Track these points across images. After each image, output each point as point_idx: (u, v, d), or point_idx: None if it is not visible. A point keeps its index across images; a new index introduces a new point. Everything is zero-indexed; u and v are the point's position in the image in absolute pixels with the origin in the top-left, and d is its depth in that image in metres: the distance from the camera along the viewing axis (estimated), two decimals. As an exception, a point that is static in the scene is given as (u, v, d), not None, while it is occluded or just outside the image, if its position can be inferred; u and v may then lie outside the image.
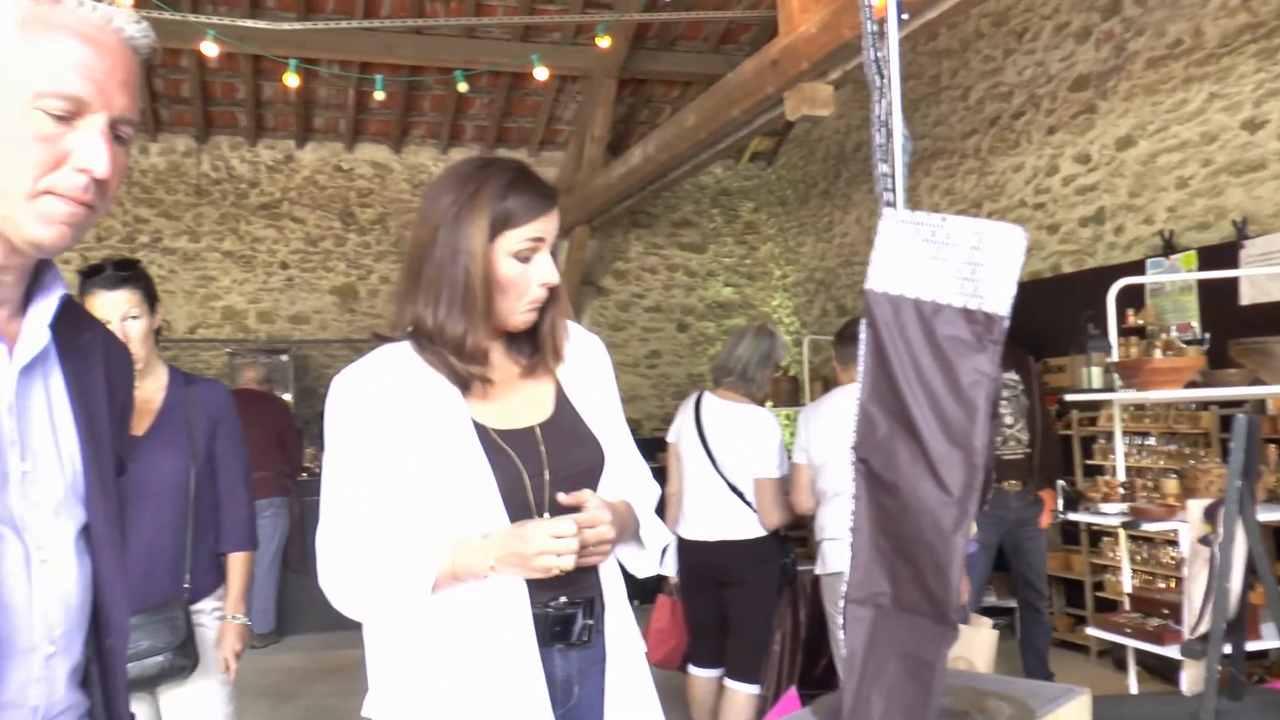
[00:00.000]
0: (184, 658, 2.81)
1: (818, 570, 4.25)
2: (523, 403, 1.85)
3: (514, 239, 1.75)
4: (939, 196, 8.26)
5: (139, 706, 2.89)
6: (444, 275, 1.75)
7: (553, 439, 1.82)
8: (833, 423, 4.06)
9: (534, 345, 1.87)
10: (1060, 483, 4.75)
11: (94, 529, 1.31)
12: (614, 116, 9.26)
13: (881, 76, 1.52)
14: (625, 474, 1.93)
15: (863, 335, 1.52)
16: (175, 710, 2.94)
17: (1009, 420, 5.17)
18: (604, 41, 7.40)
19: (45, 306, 1.29)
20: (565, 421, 1.86)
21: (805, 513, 4.32)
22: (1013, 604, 6.21)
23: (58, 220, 1.19)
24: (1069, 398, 4.66)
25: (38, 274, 1.30)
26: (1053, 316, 6.36)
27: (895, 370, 1.45)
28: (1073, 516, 4.51)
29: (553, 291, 1.82)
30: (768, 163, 11.16)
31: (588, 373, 1.95)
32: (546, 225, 1.78)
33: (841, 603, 1.48)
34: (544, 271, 1.78)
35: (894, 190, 1.55)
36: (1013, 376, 5.22)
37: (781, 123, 5.91)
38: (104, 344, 1.43)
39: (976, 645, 3.64)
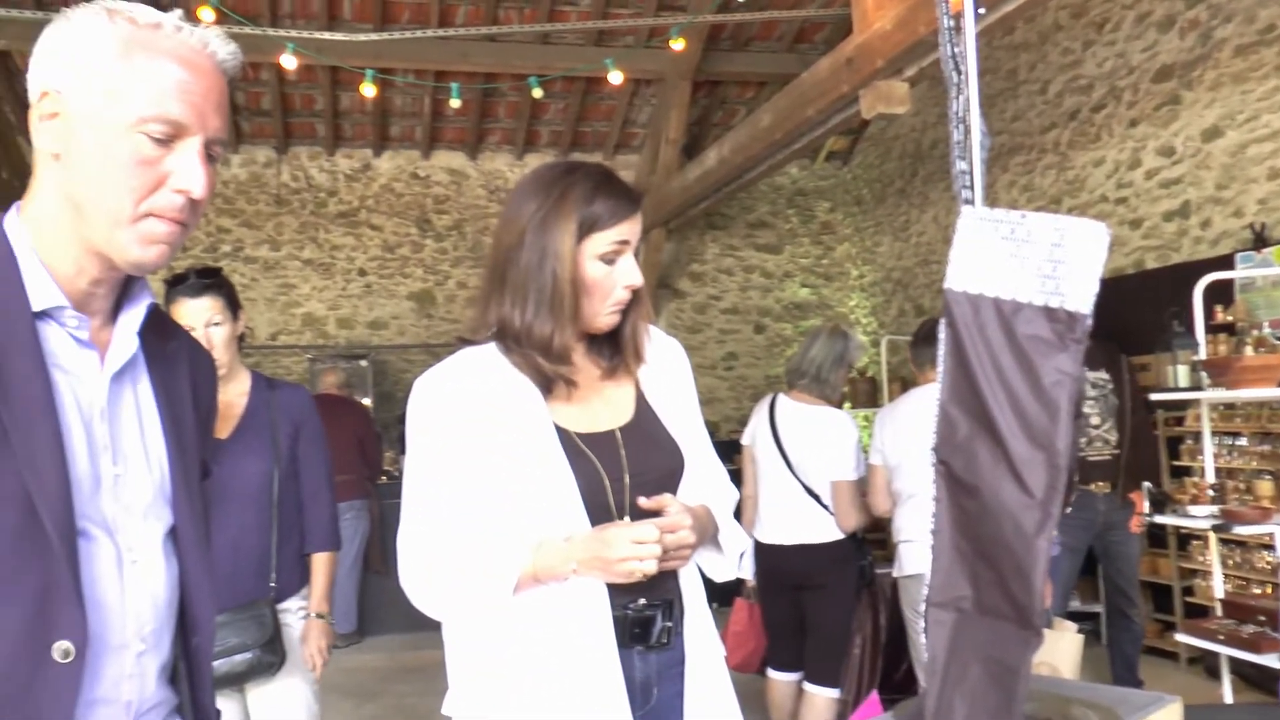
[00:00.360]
0: (271, 654, 2.87)
1: (895, 573, 4.20)
2: (604, 406, 1.85)
3: (600, 242, 1.76)
4: (1017, 193, 8.11)
5: (227, 704, 2.96)
6: (531, 277, 1.77)
7: (633, 442, 1.82)
8: (909, 424, 4.01)
9: (615, 348, 1.88)
10: (1146, 485, 4.63)
11: (180, 531, 1.35)
12: (689, 119, 9.25)
13: (959, 72, 1.50)
14: (704, 478, 1.92)
15: (942, 335, 1.50)
16: (262, 707, 3.00)
17: (1095, 420, 5.04)
18: (678, 44, 7.39)
19: (134, 315, 1.33)
20: (645, 425, 1.87)
21: (882, 515, 4.27)
22: (1099, 609, 6.07)
23: (158, 240, 1.23)
24: (1154, 397, 4.54)
25: (126, 284, 1.34)
26: (1136, 314, 6.20)
27: (975, 371, 1.43)
28: (1159, 519, 4.40)
29: (635, 294, 1.83)
30: (843, 162, 11.06)
31: (667, 376, 1.96)
32: (631, 228, 1.79)
33: (922, 606, 1.46)
34: (628, 274, 1.79)
35: (972, 188, 1.52)
36: (1102, 375, 5.08)
37: (857, 121, 5.85)
38: (189, 351, 1.47)
39: (1061, 651, 3.58)
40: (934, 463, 1.49)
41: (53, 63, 1.23)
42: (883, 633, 4.52)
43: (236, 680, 2.88)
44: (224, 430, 2.94)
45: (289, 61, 6.40)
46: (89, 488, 1.23)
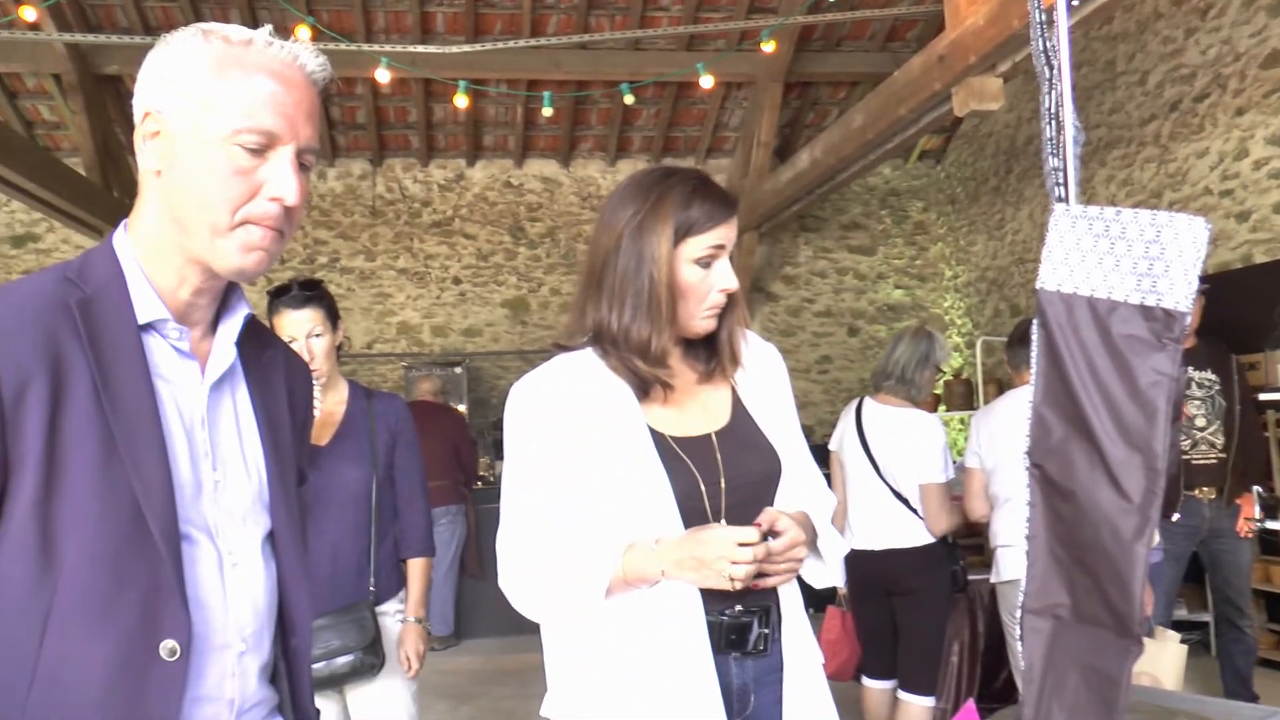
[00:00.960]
0: (373, 656, 2.91)
1: (993, 578, 4.12)
2: (700, 410, 1.86)
3: (695, 246, 1.77)
4: (1116, 188, 7.90)
5: (328, 705, 3.01)
6: (629, 281, 1.79)
7: (729, 447, 1.82)
8: (1005, 426, 3.93)
9: (711, 352, 1.89)
10: (1256, 489, 4.46)
11: (278, 535, 1.40)
12: (780, 121, 9.19)
13: (1051, 67, 1.46)
14: (802, 483, 1.91)
15: (1035, 336, 1.47)
16: (362, 708, 3.05)
17: (1201, 422, 4.87)
18: (769, 46, 7.35)
19: (231, 326, 1.38)
20: (742, 429, 1.86)
21: (979, 519, 4.19)
22: (1206, 618, 5.86)
23: (256, 247, 1.28)
24: (1263, 397, 4.38)
25: (224, 295, 1.39)
26: (1243, 310, 5.98)
27: (1069, 372, 1.39)
28: (1271, 525, 4.24)
29: (731, 298, 1.84)
30: (936, 161, 10.89)
31: (764, 380, 1.95)
32: (727, 232, 1.80)
33: (1019, 613, 1.43)
34: (723, 277, 1.80)
35: (1065, 184, 1.49)
36: (1209, 375, 4.91)
37: (950, 119, 5.77)
38: (285, 360, 1.52)
39: (1163, 661, 3.47)
40: (1027, 466, 1.46)
41: (154, 84, 1.29)
42: (981, 640, 4.44)
43: (338, 682, 2.93)
44: (323, 438, 3.00)
45: (383, 75, 6.52)
46: (191, 493, 1.29)
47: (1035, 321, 1.46)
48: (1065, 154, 1.50)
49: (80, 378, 1.20)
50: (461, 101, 7.34)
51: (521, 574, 1.79)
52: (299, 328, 2.94)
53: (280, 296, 2.99)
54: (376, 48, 6.73)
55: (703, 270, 1.79)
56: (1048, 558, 1.40)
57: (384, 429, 3.07)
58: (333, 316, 3.04)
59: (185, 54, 1.28)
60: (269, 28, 1.32)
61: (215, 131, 1.25)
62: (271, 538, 1.40)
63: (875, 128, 6.25)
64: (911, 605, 4.15)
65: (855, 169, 7.36)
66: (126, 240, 1.33)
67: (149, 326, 1.29)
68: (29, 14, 6.73)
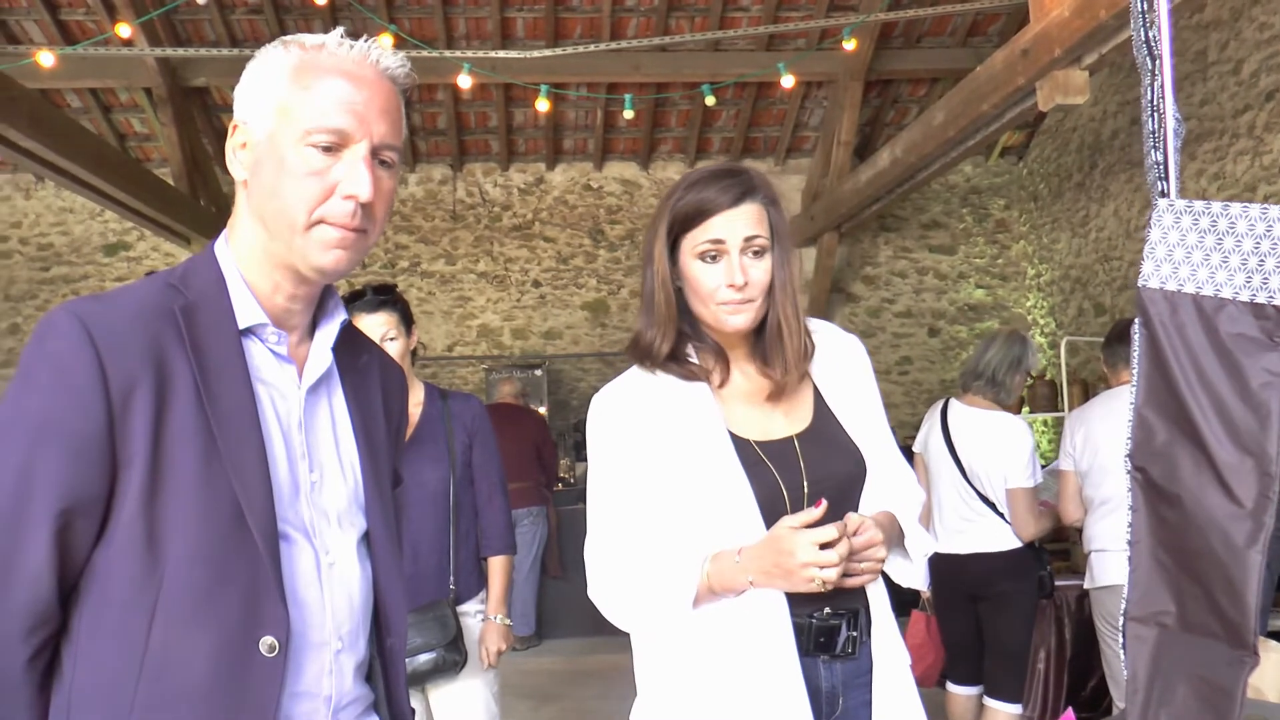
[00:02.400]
0: (454, 654, 2.94)
1: (1087, 584, 4.02)
2: (782, 413, 1.83)
3: (694, 241, 1.76)
4: (1207, 181, 7.67)
5: (412, 701, 3.05)
6: (644, 286, 1.83)
7: (811, 449, 1.80)
8: (1100, 427, 3.84)
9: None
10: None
11: (374, 536, 1.42)
12: (860, 119, 9.11)
13: (1153, 58, 1.42)
14: (889, 481, 1.87)
15: (1136, 336, 1.42)
16: (444, 706, 3.08)
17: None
18: (850, 44, 7.28)
19: (328, 331, 1.41)
20: (824, 430, 1.84)
21: (1073, 523, 4.10)
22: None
23: (333, 245, 1.30)
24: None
25: (322, 301, 1.43)
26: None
27: (1174, 372, 1.35)
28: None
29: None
30: (1018, 157, 10.69)
31: (846, 375, 1.91)
32: (726, 225, 1.74)
33: (1121, 620, 1.39)
34: (730, 272, 1.74)
35: (1167, 179, 1.44)
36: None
37: (1033, 114, 5.66)
38: (380, 364, 1.55)
39: (1265, 671, 3.35)
40: (1129, 470, 1.42)
41: (242, 98, 1.34)
42: (1068, 647, 4.34)
43: (420, 679, 2.96)
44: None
45: (465, 81, 6.59)
46: (288, 494, 1.32)
47: (1137, 320, 1.42)
48: (1167, 147, 1.45)
49: (184, 382, 1.24)
50: (543, 105, 7.39)
51: (610, 585, 1.79)
52: (373, 332, 2.97)
53: (355, 301, 3.03)
54: (458, 54, 6.80)
55: (708, 265, 1.75)
56: (1151, 564, 1.36)
57: (460, 429, 3.10)
58: (407, 321, 3.08)
59: (267, 65, 1.32)
60: (341, 30, 1.35)
61: (289, 135, 1.28)
62: (366, 539, 1.42)
63: (957, 125, 6.17)
64: (997, 611, 4.08)
65: (936, 167, 7.27)
66: (227, 248, 1.37)
67: (248, 331, 1.33)
68: (124, 31, 6.93)
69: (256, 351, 1.34)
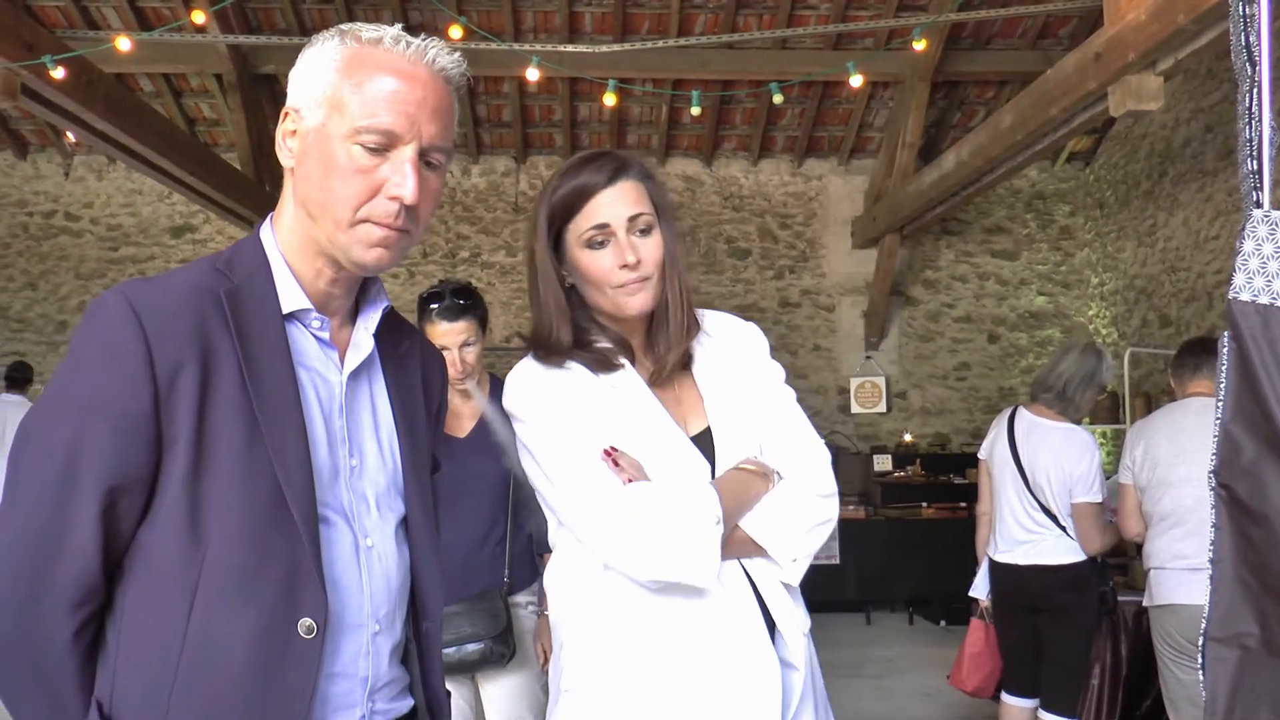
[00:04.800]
0: (503, 645, 2.95)
1: (1145, 602, 3.95)
2: (680, 410, 1.77)
3: (577, 230, 1.71)
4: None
5: (460, 690, 3.08)
6: (530, 291, 1.80)
7: (708, 451, 1.74)
8: (1161, 441, 3.77)
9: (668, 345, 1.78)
10: None
11: (411, 521, 1.43)
12: (926, 121, 9.02)
13: (1253, 64, 1.38)
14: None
15: (1224, 349, 1.39)
16: (494, 697, 3.10)
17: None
18: (920, 45, 7.21)
19: (371, 318, 1.42)
20: (720, 434, 1.76)
21: (1132, 538, 4.03)
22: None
23: (375, 244, 1.31)
24: None
25: (364, 286, 1.44)
26: None
27: (1264, 388, 1.31)
28: None
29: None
30: (1085, 163, 10.52)
31: (735, 368, 1.82)
32: (610, 209, 1.69)
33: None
34: (619, 254, 1.69)
35: (1263, 189, 1.40)
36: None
37: (1103, 120, 5.57)
38: (421, 351, 1.56)
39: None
40: (1213, 486, 1.38)
41: (296, 84, 1.34)
42: (1124, 664, 4.27)
43: (468, 668, 2.98)
44: (463, 430, 3.05)
45: (533, 74, 6.62)
46: (328, 477, 1.33)
47: (1225, 334, 1.38)
48: (1263, 156, 1.41)
49: (228, 365, 1.25)
50: (610, 100, 7.40)
51: (639, 530, 1.61)
52: (453, 338, 2.97)
53: (434, 304, 3.00)
54: (526, 47, 6.83)
55: (596, 251, 1.70)
56: (1235, 584, 1.32)
57: (522, 422, 3.10)
58: (484, 323, 3.07)
59: (321, 54, 1.32)
60: (399, 26, 1.34)
61: (338, 129, 1.28)
62: (405, 523, 1.43)
63: (1025, 128, 6.09)
64: (1057, 624, 4.03)
65: (1002, 171, 7.19)
66: (271, 232, 1.39)
67: (292, 316, 1.34)
68: (199, 18, 7.04)
69: (299, 336, 1.36)
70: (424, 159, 1.31)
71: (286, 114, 1.35)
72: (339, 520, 1.33)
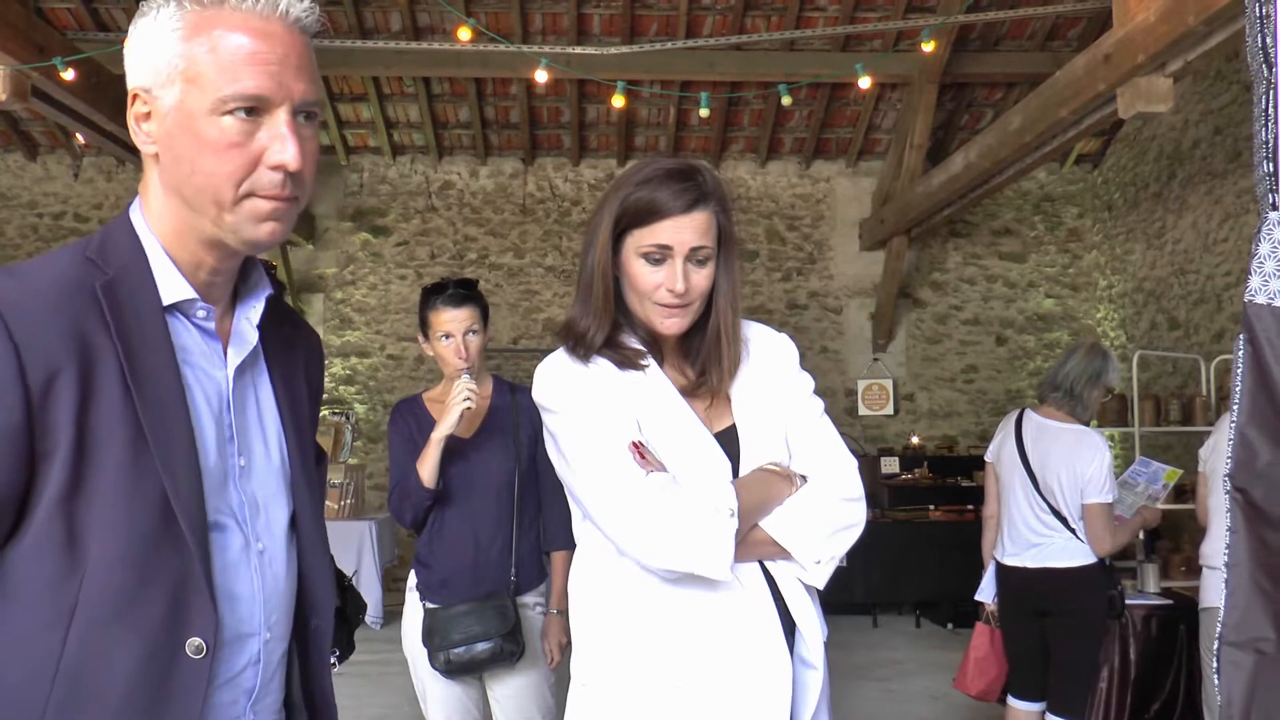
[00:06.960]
0: (512, 644, 2.97)
1: (1201, 604, 3.95)
2: (703, 411, 1.80)
3: (639, 240, 1.71)
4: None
5: (467, 691, 3.09)
6: (582, 271, 1.79)
7: (732, 449, 1.77)
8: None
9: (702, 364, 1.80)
10: None
11: (299, 515, 1.37)
12: (934, 122, 9.01)
13: (1269, 66, 1.37)
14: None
15: (1239, 352, 1.38)
16: (502, 696, 3.12)
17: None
18: (928, 46, 7.20)
19: (254, 307, 1.34)
20: (746, 433, 1.79)
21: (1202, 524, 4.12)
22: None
23: (265, 218, 1.21)
24: None
25: (244, 273, 1.35)
26: None
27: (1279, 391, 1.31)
28: None
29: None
30: (1094, 165, 10.49)
31: (769, 379, 1.85)
32: (675, 232, 1.69)
33: (1216, 644, 1.35)
34: (671, 277, 1.70)
35: (1278, 192, 1.39)
36: None
37: (1111, 122, 5.55)
38: (302, 334, 1.49)
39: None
40: (1228, 490, 1.38)
41: (135, 61, 1.23)
42: (1133, 667, 4.26)
43: (478, 667, 2.99)
44: (469, 430, 3.07)
45: (541, 76, 6.62)
46: (218, 480, 1.25)
47: (1240, 336, 1.38)
48: (1278, 159, 1.41)
49: (109, 367, 1.15)
50: (618, 102, 7.40)
51: (655, 520, 1.62)
52: (457, 325, 3.02)
53: (439, 293, 3.07)
54: (534, 48, 6.83)
55: (650, 265, 1.71)
56: (1250, 588, 1.32)
57: (528, 423, 3.12)
58: (485, 316, 3.12)
59: (159, 25, 1.20)
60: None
61: (200, 104, 1.17)
62: (293, 520, 1.37)
63: (1033, 130, 6.08)
64: (1065, 627, 4.01)
65: (1010, 173, 7.18)
66: (143, 217, 1.28)
67: (173, 308, 1.25)
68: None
69: (181, 329, 1.25)
70: (297, 118, 1.21)
71: (135, 97, 1.22)
72: (230, 524, 1.26)
